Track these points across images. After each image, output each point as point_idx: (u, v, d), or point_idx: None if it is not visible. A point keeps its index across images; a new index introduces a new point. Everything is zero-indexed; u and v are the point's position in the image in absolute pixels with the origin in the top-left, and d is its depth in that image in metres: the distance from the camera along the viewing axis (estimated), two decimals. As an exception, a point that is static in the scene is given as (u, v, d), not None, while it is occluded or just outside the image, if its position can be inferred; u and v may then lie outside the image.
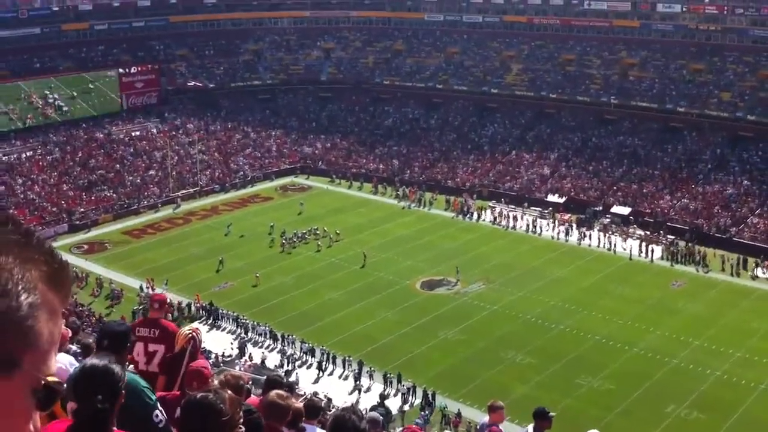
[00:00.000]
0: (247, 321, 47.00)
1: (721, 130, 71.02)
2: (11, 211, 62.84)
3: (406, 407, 38.52)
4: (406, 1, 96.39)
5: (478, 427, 10.69)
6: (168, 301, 8.56)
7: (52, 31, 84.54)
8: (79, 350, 9.25)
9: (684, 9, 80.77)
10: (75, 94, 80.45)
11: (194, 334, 7.35)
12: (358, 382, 40.84)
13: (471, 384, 39.87)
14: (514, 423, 35.83)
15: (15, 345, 1.30)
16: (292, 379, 40.63)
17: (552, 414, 10.01)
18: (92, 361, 3.78)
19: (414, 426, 9.13)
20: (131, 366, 7.80)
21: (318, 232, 60.74)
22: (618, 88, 78.99)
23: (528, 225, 63.17)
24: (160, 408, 5.15)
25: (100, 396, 3.42)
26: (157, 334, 8.24)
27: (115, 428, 3.67)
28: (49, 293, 1.37)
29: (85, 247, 60.20)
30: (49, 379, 1.38)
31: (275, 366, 42.04)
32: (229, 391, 3.49)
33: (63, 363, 6.52)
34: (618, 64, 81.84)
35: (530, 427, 10.01)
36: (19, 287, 1.31)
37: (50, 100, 79.08)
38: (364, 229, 62.17)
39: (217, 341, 44.85)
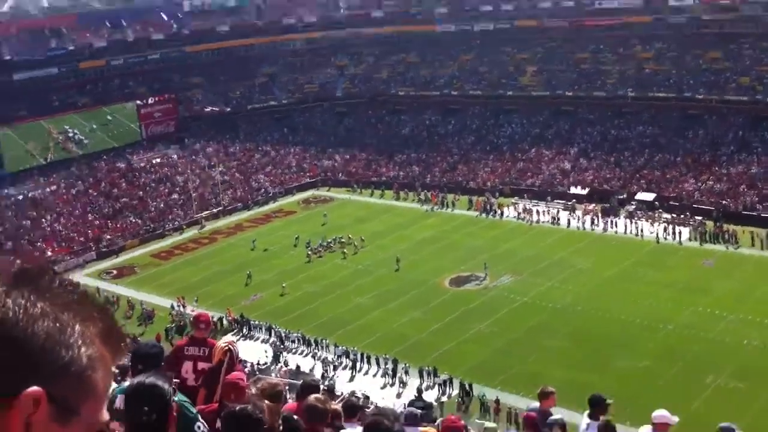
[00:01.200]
0: (280, 329, 47.00)
1: (741, 113, 70.43)
2: (39, 243, 63.68)
3: (444, 398, 38.21)
4: (416, 15, 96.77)
5: (527, 409, 10.61)
6: (212, 319, 8.73)
7: (69, 69, 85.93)
8: (116, 371, 9.34)
9: (696, 1, 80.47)
10: (95, 126, 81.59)
11: (230, 346, 7.51)
12: (394, 378, 40.63)
13: (507, 372, 39.52)
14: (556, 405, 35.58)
15: (76, 395, 1.40)
16: (329, 381, 40.68)
17: (609, 401, 9.95)
18: (139, 378, 3.88)
19: (453, 416, 9.16)
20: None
21: (343, 240, 60.82)
22: (634, 82, 78.63)
23: (552, 218, 62.80)
24: (202, 420, 5.26)
25: (147, 408, 3.58)
26: (206, 353, 8.46)
27: None
28: (104, 348, 1.48)
29: (114, 272, 60.68)
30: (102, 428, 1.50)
31: (311, 370, 41.97)
32: (267, 401, 3.57)
33: None
34: (633, 59, 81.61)
35: (585, 414, 9.96)
36: (80, 341, 1.42)
37: (70, 135, 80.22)
38: (389, 234, 62.19)
39: (252, 350, 44.88)
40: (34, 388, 1.34)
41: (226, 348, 7.35)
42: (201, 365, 8.21)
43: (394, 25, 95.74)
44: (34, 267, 1.52)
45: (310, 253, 59.31)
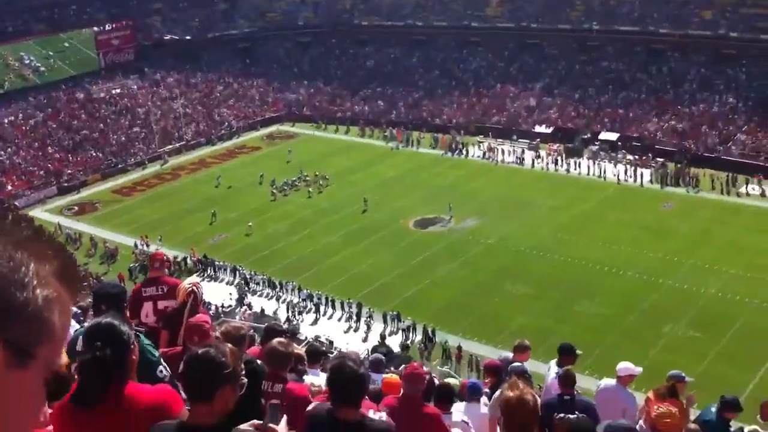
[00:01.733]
0: (244, 271, 47.13)
1: (705, 49, 70.64)
2: (-2, 177, 62.54)
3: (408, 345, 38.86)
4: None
5: (498, 358, 10.75)
6: (166, 257, 8.55)
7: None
8: (78, 311, 9.28)
9: None
10: (51, 53, 79.31)
11: (194, 288, 7.39)
12: (358, 323, 41.26)
13: (470, 318, 40.31)
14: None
15: (31, 337, 1.34)
16: (292, 325, 41.16)
17: (579, 352, 10.03)
18: (97, 318, 3.90)
19: (416, 363, 9.16)
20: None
21: (308, 178, 60.66)
22: (600, 14, 78.21)
23: (517, 158, 63.17)
24: (164, 364, 5.25)
25: (99, 342, 3.54)
26: (165, 291, 8.31)
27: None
28: (61, 287, 1.41)
29: (76, 208, 59.99)
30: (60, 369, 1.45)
31: (274, 313, 42.36)
32: (230, 345, 3.56)
33: None
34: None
35: (553, 362, 10.08)
36: (35, 281, 1.35)
37: (26, 62, 77.98)
38: (354, 173, 62.11)
39: (216, 292, 45.03)
40: None
41: (190, 289, 7.31)
42: (161, 304, 8.19)
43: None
44: None
45: (275, 191, 59.13)
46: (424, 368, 8.27)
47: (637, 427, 8.61)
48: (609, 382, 9.73)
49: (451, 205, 53.15)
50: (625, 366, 9.61)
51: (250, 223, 52.96)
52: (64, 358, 1.26)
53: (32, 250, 1.38)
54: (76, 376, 3.99)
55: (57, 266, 1.42)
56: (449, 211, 52.88)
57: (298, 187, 60.17)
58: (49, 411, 3.94)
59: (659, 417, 6.53)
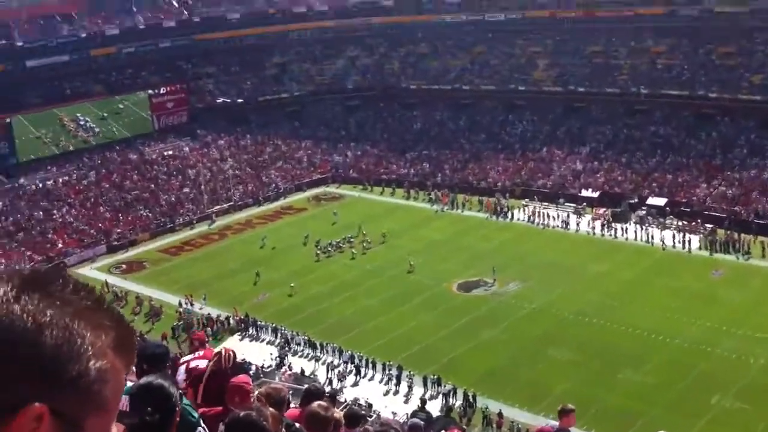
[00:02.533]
0: (286, 331, 47.14)
1: (755, 113, 69.90)
2: (50, 235, 64.03)
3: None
4: (427, 3, 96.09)
5: (549, 425, 10.50)
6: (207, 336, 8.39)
7: (82, 57, 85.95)
8: None
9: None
10: (106, 115, 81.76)
11: (223, 350, 7.41)
12: (398, 386, 40.81)
13: (513, 384, 39.63)
14: (557, 420, 35.66)
15: (81, 409, 1.34)
16: (333, 386, 40.90)
17: (570, 407, 9.83)
18: (145, 379, 3.85)
19: (456, 428, 9.05)
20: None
21: (352, 240, 60.91)
22: (647, 78, 78.12)
23: (563, 221, 62.71)
24: (203, 425, 5.22)
25: (150, 408, 3.53)
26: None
27: None
28: (117, 359, 1.41)
29: (124, 266, 60.97)
30: None
31: (312, 374, 42.15)
32: (271, 408, 3.55)
33: None
34: (645, 53, 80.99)
35: (556, 423, 9.91)
36: (90, 353, 1.35)
37: (82, 123, 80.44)
38: (398, 235, 62.12)
39: (257, 352, 45.13)
40: (36, 405, 1.28)
41: (219, 350, 7.32)
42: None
43: (403, 14, 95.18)
44: (46, 270, 1.45)
45: (319, 252, 59.43)
46: None
47: None
48: None
49: (495, 269, 52.75)
50: None
51: (292, 284, 53.16)
52: (114, 429, 1.26)
53: (90, 319, 1.38)
54: None
55: (114, 337, 1.41)
56: (493, 274, 52.48)
57: (342, 248, 60.40)
58: None
59: None
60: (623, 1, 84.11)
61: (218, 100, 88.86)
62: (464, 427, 34.29)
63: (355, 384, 41.56)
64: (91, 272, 59.86)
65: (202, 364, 8.36)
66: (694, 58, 78.11)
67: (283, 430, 3.52)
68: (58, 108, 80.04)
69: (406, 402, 39.08)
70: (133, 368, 8.07)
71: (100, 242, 64.67)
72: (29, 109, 78.29)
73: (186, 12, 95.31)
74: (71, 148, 77.80)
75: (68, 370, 1.31)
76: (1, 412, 1.27)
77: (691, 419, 33.32)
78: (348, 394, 38.89)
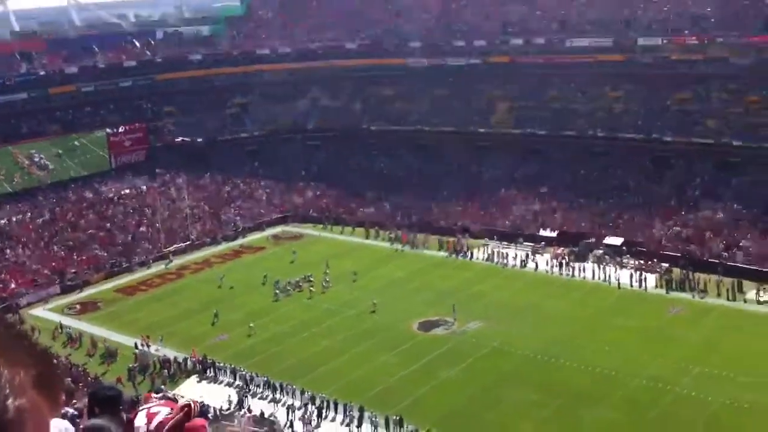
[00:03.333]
0: (245, 372, 46.36)
1: (709, 156, 71.30)
2: (2, 275, 62.58)
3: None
4: (390, 48, 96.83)
5: None
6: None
7: (39, 95, 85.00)
8: (75, 413, 9.04)
9: (665, 41, 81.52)
10: (61, 152, 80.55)
11: (191, 403, 7.18)
12: (360, 428, 40.21)
13: (475, 425, 39.29)
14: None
15: None
16: (294, 429, 40.23)
17: None
18: (92, 421, 3.68)
19: None
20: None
21: (312, 279, 60.50)
22: (604, 122, 79.43)
23: (521, 261, 63.03)
24: None
25: None
26: None
27: None
28: (39, 397, 1.30)
29: (78, 307, 59.73)
30: None
31: (272, 416, 41.38)
32: None
33: (59, 428, 6.37)
34: (603, 98, 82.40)
35: None
36: (7, 390, 1.25)
37: (36, 160, 79.16)
38: (358, 274, 61.79)
39: (216, 394, 44.28)
40: None
41: (186, 403, 7.03)
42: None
43: (367, 58, 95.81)
44: None
45: (278, 292, 58.87)
46: None
47: None
48: None
49: (455, 307, 52.67)
50: None
51: (251, 324, 52.53)
52: None
53: (8, 356, 1.28)
54: None
55: (35, 375, 1.30)
56: (453, 313, 52.38)
57: (302, 288, 59.93)
58: None
59: None
60: (583, 48, 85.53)
61: (177, 139, 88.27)
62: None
63: (317, 426, 40.84)
64: (44, 313, 58.63)
65: (165, 411, 8.11)
66: (650, 103, 79.66)
67: None
68: (12, 146, 78.83)
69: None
70: (85, 411, 7.79)
71: (54, 282, 63.36)
72: (-16, 148, 77.04)
73: (148, 52, 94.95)
74: (25, 186, 76.52)
75: None
76: None
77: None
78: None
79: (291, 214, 79.36)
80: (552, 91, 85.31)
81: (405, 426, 39.25)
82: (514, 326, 50.66)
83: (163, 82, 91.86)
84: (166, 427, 6.61)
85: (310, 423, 40.64)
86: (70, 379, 42.36)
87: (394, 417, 39.79)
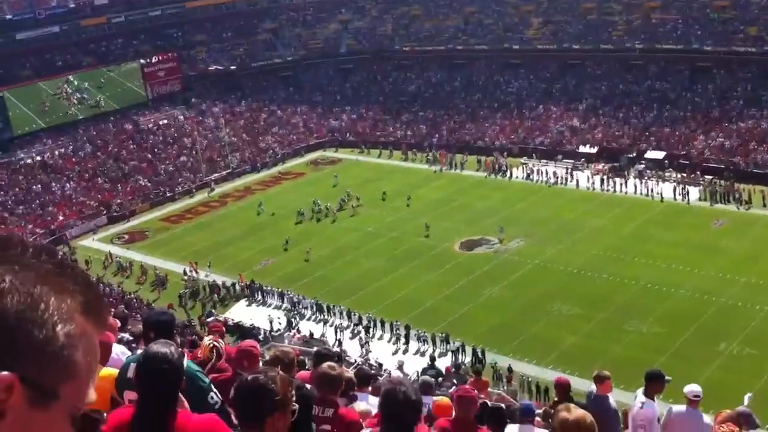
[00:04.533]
0: (292, 295, 47.32)
1: (751, 65, 69.78)
2: (50, 208, 63.91)
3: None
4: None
5: (586, 392, 10.39)
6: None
7: (71, 28, 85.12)
8: (131, 338, 9.44)
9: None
10: (100, 87, 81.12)
11: (215, 343, 7.45)
12: (407, 345, 41.12)
13: (520, 339, 39.95)
14: (566, 372, 35.97)
15: (53, 376, 1.29)
16: (343, 348, 41.17)
17: (668, 378, 9.62)
18: (152, 349, 3.86)
19: (467, 386, 9.06)
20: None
21: (345, 200, 61.37)
22: (642, 33, 77.76)
23: (561, 178, 62.76)
24: (215, 390, 5.24)
25: (161, 377, 3.59)
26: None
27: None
28: (86, 323, 1.36)
29: (126, 237, 60.98)
30: (88, 408, 1.39)
31: (321, 336, 42.41)
32: (280, 371, 3.57)
33: (116, 353, 6.66)
34: (640, 8, 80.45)
35: (640, 391, 9.75)
36: (55, 317, 1.29)
37: (76, 96, 79.82)
38: (398, 196, 62.13)
39: (265, 317, 45.37)
40: (4, 374, 1.23)
41: (211, 345, 7.35)
42: None
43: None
44: (4, 236, 1.38)
45: (318, 213, 59.83)
46: (474, 391, 8.21)
47: None
48: (680, 407, 9.41)
49: (502, 228, 52.55)
50: (694, 388, 9.33)
51: (308, 249, 53.15)
52: (93, 395, 1.22)
53: (53, 284, 1.33)
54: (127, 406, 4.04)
55: (81, 301, 1.36)
56: (500, 233, 52.22)
57: (344, 207, 60.52)
58: None
59: None
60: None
61: (211, 68, 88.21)
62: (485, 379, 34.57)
63: (365, 344, 41.78)
64: (93, 244, 59.94)
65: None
66: (688, 12, 77.63)
67: (293, 391, 3.54)
68: (49, 80, 79.35)
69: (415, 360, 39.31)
70: (141, 336, 8.12)
71: (101, 213, 64.57)
72: (20, 82, 77.63)
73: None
74: (65, 120, 77.28)
75: (34, 336, 1.26)
76: None
77: (699, 366, 33.56)
78: (357, 356, 39.04)
79: (328, 139, 79.45)
80: (587, 2, 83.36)
81: (452, 342, 40.04)
82: (557, 243, 50.81)
83: (192, 10, 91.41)
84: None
85: (368, 343, 41.38)
86: (123, 306, 43.63)
87: (440, 334, 40.63)
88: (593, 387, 10.22)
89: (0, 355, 1.23)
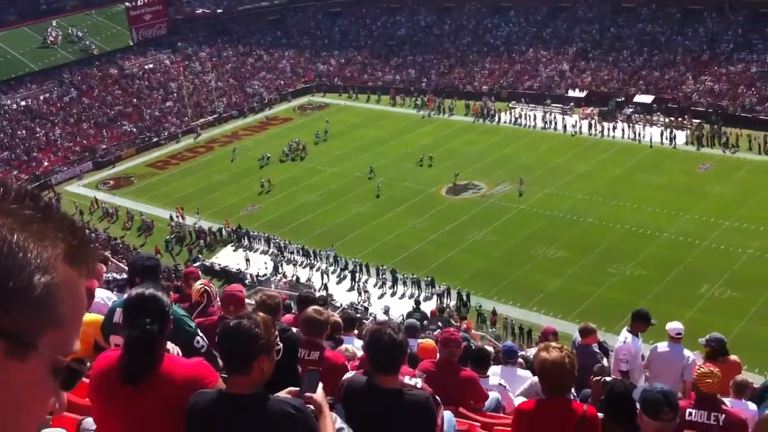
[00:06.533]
0: (278, 240, 47.37)
1: (742, 8, 69.05)
2: (35, 154, 63.47)
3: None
4: None
5: (574, 344, 10.55)
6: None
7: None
8: (119, 279, 9.40)
9: None
10: (84, 30, 79.88)
11: (207, 287, 7.51)
12: (393, 289, 41.36)
13: (505, 282, 40.22)
14: (549, 315, 36.43)
15: (32, 326, 1.24)
16: (329, 291, 41.42)
17: (654, 322, 9.83)
18: (138, 289, 3.85)
19: (452, 329, 9.19)
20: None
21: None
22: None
23: (549, 122, 62.47)
24: (201, 334, 5.30)
25: (148, 319, 3.58)
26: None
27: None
28: (70, 271, 1.30)
29: (112, 182, 60.72)
30: (74, 359, 1.33)
31: (308, 280, 42.61)
32: (262, 314, 3.57)
33: (101, 297, 6.74)
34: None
35: (625, 329, 9.96)
36: (32, 266, 1.23)
37: (60, 39, 78.61)
38: (386, 142, 61.89)
39: (251, 262, 45.49)
40: None
41: (203, 289, 7.45)
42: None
43: None
44: None
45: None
46: (459, 333, 8.32)
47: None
48: (663, 344, 9.72)
49: (522, 180, 51.14)
50: (676, 326, 9.64)
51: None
52: (77, 346, 1.15)
53: (35, 231, 1.26)
54: (113, 349, 3.99)
55: (65, 248, 1.29)
56: (520, 185, 50.72)
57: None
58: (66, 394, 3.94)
59: (700, 377, 6.61)
60: None
61: (197, 11, 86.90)
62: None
63: (351, 289, 42.03)
64: (79, 189, 59.73)
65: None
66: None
67: (277, 333, 3.51)
68: (33, 24, 78.10)
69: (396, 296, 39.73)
70: (126, 281, 8.07)
71: (86, 159, 64.18)
72: (5, 26, 76.37)
73: None
74: (49, 64, 76.23)
75: (9, 285, 1.20)
76: None
77: (681, 308, 33.65)
78: (343, 299, 39.27)
79: (316, 84, 78.72)
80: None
81: (437, 286, 40.29)
82: (543, 188, 50.83)
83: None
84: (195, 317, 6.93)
85: (367, 292, 41.53)
86: (109, 252, 43.65)
87: (426, 278, 40.84)
88: (578, 336, 10.46)
89: None
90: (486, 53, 76.77)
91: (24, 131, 66.41)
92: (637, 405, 4.91)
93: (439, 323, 24.42)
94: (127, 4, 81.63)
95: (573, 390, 5.72)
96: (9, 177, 58.19)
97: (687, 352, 9.50)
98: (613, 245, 42.70)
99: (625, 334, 9.78)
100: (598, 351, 10.21)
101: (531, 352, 12.29)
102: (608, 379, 7.55)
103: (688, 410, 6.38)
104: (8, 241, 1.22)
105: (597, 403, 6.26)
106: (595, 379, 7.97)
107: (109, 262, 15.36)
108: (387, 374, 4.18)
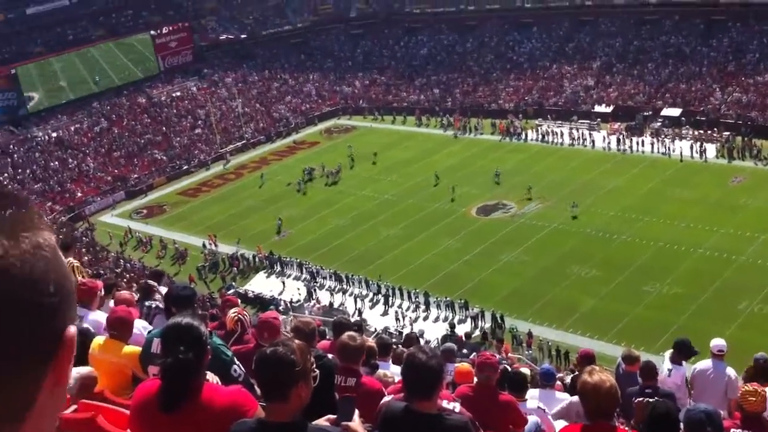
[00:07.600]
0: (311, 266, 47.61)
1: (767, 17, 68.60)
2: (68, 185, 64.33)
3: (477, 332, 38.90)
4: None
5: (618, 369, 10.53)
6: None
7: (81, 0, 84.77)
8: (157, 307, 9.36)
9: None
10: (112, 60, 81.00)
11: (240, 315, 7.60)
12: (426, 312, 41.42)
13: (539, 303, 40.10)
14: (586, 336, 36.30)
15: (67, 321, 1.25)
16: (363, 316, 41.52)
17: (697, 351, 9.89)
18: (175, 319, 3.95)
19: (488, 352, 9.15)
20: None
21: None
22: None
23: (577, 139, 62.37)
24: (237, 363, 5.36)
25: (183, 347, 3.65)
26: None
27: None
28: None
29: (144, 211, 61.37)
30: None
31: (341, 305, 42.76)
32: (298, 341, 3.59)
33: (138, 328, 6.79)
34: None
35: (667, 355, 9.98)
36: (65, 266, 1.25)
37: (87, 69, 79.72)
38: (414, 162, 62.09)
39: (285, 288, 45.73)
40: (71, 327, 1.23)
41: (236, 318, 7.53)
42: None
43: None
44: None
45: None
46: (495, 356, 8.28)
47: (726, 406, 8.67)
48: (705, 362, 9.69)
49: (575, 203, 50.07)
50: (718, 343, 9.62)
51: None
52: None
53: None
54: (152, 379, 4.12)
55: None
56: (573, 208, 49.62)
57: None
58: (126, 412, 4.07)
59: (744, 395, 6.53)
60: None
61: (222, 37, 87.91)
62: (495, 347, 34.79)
63: (385, 313, 42.11)
64: (112, 219, 60.41)
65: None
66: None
67: (313, 360, 3.61)
68: (61, 55, 79.31)
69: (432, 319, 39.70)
70: (164, 310, 8.18)
71: (118, 189, 64.96)
72: (33, 57, 77.61)
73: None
74: (79, 95, 77.35)
75: (68, 287, 1.22)
76: (55, 340, 1.20)
77: (720, 325, 33.45)
78: (377, 324, 39.36)
79: (341, 106, 79.20)
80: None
81: (471, 308, 40.28)
82: (574, 206, 50.62)
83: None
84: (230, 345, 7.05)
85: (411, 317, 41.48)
86: (145, 280, 44.13)
87: (459, 300, 40.84)
88: (622, 362, 10.36)
89: (64, 310, 1.22)
90: (509, 70, 76.88)
91: (56, 162, 67.37)
92: (681, 425, 4.98)
93: (464, 349, 24.27)
94: (152, 32, 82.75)
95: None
96: (43, 209, 59.13)
97: (730, 370, 9.49)
98: (647, 263, 42.46)
99: (667, 364, 9.77)
100: (640, 381, 10.21)
101: (567, 379, 12.28)
102: (652, 399, 7.55)
103: (732, 430, 6.32)
104: (51, 248, 1.22)
105: (640, 424, 6.28)
106: (637, 400, 8.00)
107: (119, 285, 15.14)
108: (424, 399, 4.15)
